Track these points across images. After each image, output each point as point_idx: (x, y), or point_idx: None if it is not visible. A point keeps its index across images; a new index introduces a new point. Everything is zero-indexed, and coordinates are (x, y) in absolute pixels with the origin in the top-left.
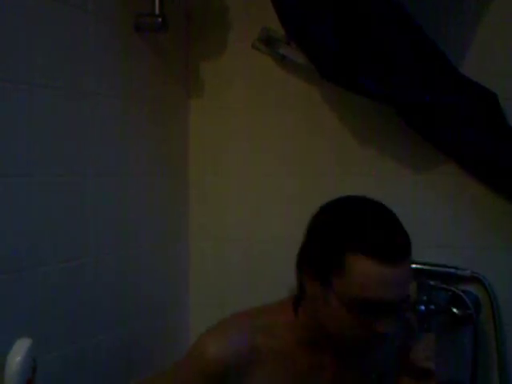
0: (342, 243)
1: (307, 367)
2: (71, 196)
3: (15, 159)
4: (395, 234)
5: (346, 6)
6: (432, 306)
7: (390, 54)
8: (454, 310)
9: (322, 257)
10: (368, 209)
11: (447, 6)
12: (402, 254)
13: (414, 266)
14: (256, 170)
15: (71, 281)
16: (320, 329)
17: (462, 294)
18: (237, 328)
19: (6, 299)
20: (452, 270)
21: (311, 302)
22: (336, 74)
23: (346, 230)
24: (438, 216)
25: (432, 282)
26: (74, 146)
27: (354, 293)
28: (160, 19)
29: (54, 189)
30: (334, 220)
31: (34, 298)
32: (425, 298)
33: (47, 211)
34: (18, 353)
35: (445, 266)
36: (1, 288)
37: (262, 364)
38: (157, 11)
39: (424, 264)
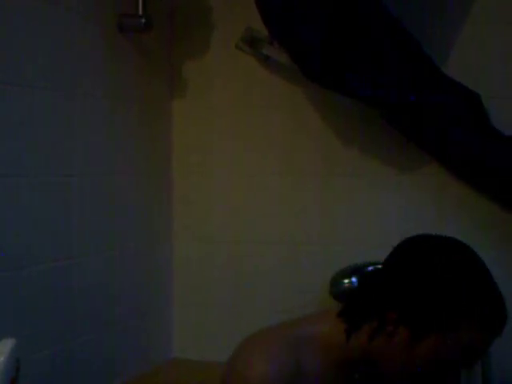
0: (459, 307)
1: None
2: (57, 196)
3: (1, 159)
4: (505, 309)
5: (332, 8)
6: None
7: (376, 54)
8: None
9: (427, 311)
10: (480, 268)
11: (432, 8)
12: (505, 323)
13: None
14: (240, 170)
15: (57, 281)
16: (370, 359)
17: None
18: (281, 350)
19: None
20: None
21: (384, 341)
22: (322, 75)
23: (466, 294)
24: (423, 216)
25: None
26: (61, 147)
27: (454, 355)
28: (143, 20)
29: (39, 188)
30: (450, 276)
31: (20, 299)
32: None
33: (33, 211)
34: (2, 353)
35: None
36: None
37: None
38: (140, 12)
39: None
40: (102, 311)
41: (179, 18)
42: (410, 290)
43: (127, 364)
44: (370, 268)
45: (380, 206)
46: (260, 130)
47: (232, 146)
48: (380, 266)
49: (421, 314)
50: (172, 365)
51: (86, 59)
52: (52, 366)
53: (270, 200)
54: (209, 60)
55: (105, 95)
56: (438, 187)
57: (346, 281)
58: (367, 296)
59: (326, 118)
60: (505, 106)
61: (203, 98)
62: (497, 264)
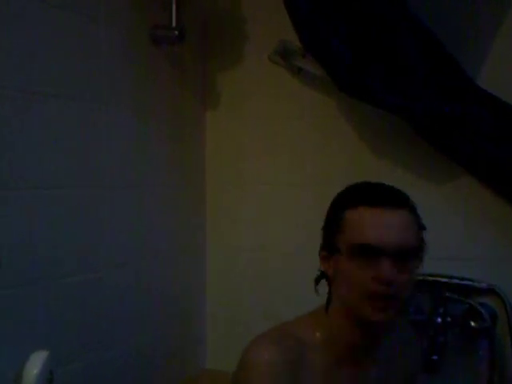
0: (338, 208)
1: (347, 380)
2: (88, 208)
3: (31, 172)
4: (386, 187)
5: (362, 19)
6: (448, 319)
7: (406, 65)
8: (471, 323)
9: (326, 233)
10: (365, 181)
11: (464, 19)
12: (394, 199)
13: (430, 278)
14: (273, 182)
15: (88, 293)
16: (345, 313)
17: (478, 306)
18: (284, 338)
19: (23, 311)
20: (468, 283)
21: (333, 284)
22: (352, 86)
23: (343, 197)
24: (454, 228)
25: (448, 295)
26: (91, 159)
27: (351, 241)
28: (177, 32)
29: (71, 201)
30: (334, 199)
31: (51, 311)
32: (441, 310)
33: (65, 224)
34: (35, 365)
35: (461, 278)
36: (18, 300)
37: (307, 376)
38: (174, 23)
39: (440, 276)
40: (133, 323)
41: (212, 30)
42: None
43: (160, 375)
44: None
45: None
46: (292, 142)
47: (264, 158)
48: (418, 277)
49: (325, 238)
50: (204, 376)
51: (119, 71)
52: (84, 378)
53: (301, 211)
54: (242, 72)
55: (137, 108)
56: (470, 199)
57: None
58: None
59: (358, 130)
60: None
61: (236, 110)
62: None
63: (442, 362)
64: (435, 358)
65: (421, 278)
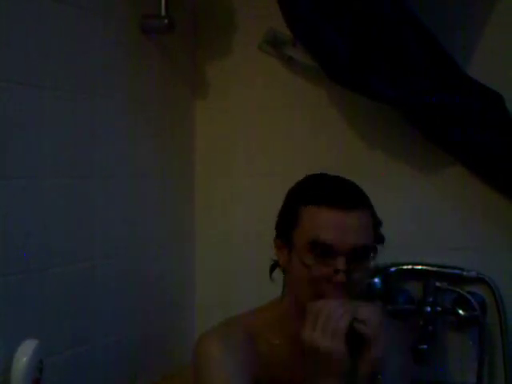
0: (296, 202)
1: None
2: (79, 197)
3: (24, 161)
4: (345, 186)
5: (357, 9)
6: (438, 308)
7: (400, 56)
8: (460, 312)
9: (282, 223)
10: (323, 174)
11: (454, 10)
12: (352, 199)
13: (420, 267)
14: (262, 171)
15: (79, 282)
16: (297, 302)
17: (467, 295)
18: (233, 330)
19: (15, 300)
20: (458, 272)
21: (287, 274)
22: (346, 77)
23: (300, 190)
24: (445, 217)
25: (438, 284)
26: (83, 149)
27: (308, 238)
28: (166, 21)
29: (62, 190)
30: (291, 189)
31: (43, 299)
32: (431, 299)
33: (56, 213)
34: (25, 354)
35: (451, 267)
36: (9, 289)
37: (262, 366)
38: (163, 13)
39: (430, 265)
40: (124, 313)
41: (202, 19)
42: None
43: (150, 365)
44: (393, 269)
45: (402, 208)
46: (282, 132)
47: (255, 147)
48: (405, 267)
49: (279, 227)
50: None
51: (108, 60)
52: (74, 367)
53: None
54: (231, 61)
55: (126, 97)
56: (461, 189)
57: (370, 281)
58: None
59: (349, 120)
60: None
61: (226, 99)
62: None
63: (432, 351)
64: (425, 347)
65: (410, 267)
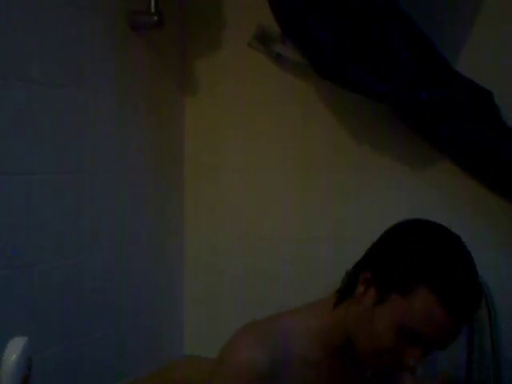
0: (422, 272)
1: (333, 378)
2: (67, 193)
3: (12, 157)
4: (473, 290)
5: (344, 5)
6: None
7: (388, 51)
8: None
9: (393, 271)
10: (459, 250)
11: (442, 5)
12: (469, 315)
13: None
14: (252, 167)
15: (67, 279)
16: (349, 335)
17: None
18: (270, 334)
19: (2, 297)
20: None
21: (356, 305)
22: (333, 72)
23: (432, 263)
24: (433, 213)
25: None
26: (71, 144)
27: (409, 322)
28: (156, 17)
29: (50, 186)
30: (423, 246)
31: (31, 296)
32: None
33: (44, 209)
34: (14, 351)
35: None
36: None
37: (292, 372)
38: (152, 9)
39: None
40: (112, 309)
41: (191, 16)
42: (381, 251)
43: (138, 362)
44: None
45: (391, 203)
46: (271, 127)
47: (243, 143)
48: None
49: (384, 272)
50: (183, 362)
51: (97, 56)
52: (62, 364)
53: (281, 196)
54: (220, 57)
55: (116, 92)
56: (450, 183)
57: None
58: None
59: (338, 115)
60: None
61: (215, 95)
62: (506, 261)
63: None
64: None
65: None
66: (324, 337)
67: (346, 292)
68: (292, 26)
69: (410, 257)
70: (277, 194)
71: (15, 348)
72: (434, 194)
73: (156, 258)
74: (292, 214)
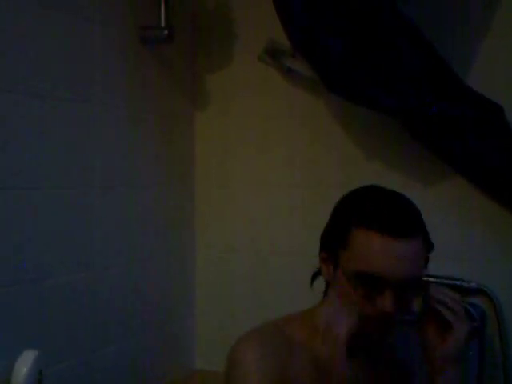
0: (348, 220)
1: (339, 372)
2: (78, 208)
3: (22, 171)
4: (401, 210)
5: (354, 18)
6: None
7: (398, 65)
8: None
9: (330, 237)
10: (379, 191)
11: (453, 19)
12: (406, 228)
13: None
14: (261, 181)
15: (78, 293)
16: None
17: (468, 306)
18: (272, 335)
19: (13, 311)
20: (458, 283)
21: (330, 288)
22: (342, 86)
23: (353, 208)
24: (445, 228)
25: None
26: (81, 158)
27: (357, 266)
28: (166, 31)
29: (61, 200)
30: (344, 202)
31: (42, 310)
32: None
33: (55, 223)
34: (24, 364)
35: (451, 278)
36: (8, 300)
37: (299, 372)
38: (163, 23)
39: (430, 276)
40: (124, 323)
41: (201, 30)
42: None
43: (149, 375)
44: None
45: None
46: (281, 142)
47: (254, 158)
48: None
49: (327, 241)
50: (194, 376)
51: (108, 71)
52: (74, 378)
53: (290, 210)
54: (231, 72)
55: (126, 107)
56: (461, 199)
57: None
58: None
59: (348, 130)
60: None
61: (225, 109)
62: None
63: None
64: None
65: None
66: (320, 341)
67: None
68: (301, 39)
69: (339, 213)
70: (286, 207)
71: (26, 361)
72: (445, 209)
73: (167, 272)
74: (301, 227)
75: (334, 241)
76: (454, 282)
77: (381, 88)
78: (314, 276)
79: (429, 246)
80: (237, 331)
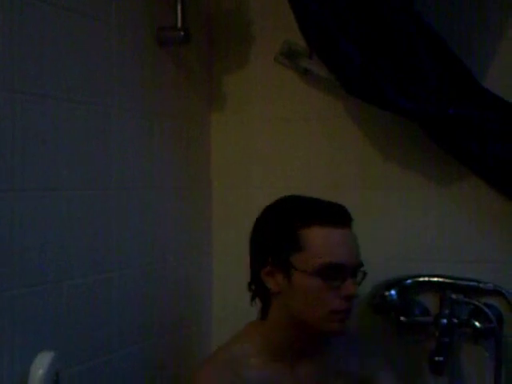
0: (292, 225)
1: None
2: (96, 210)
3: (41, 173)
4: (334, 204)
5: (371, 20)
6: (454, 320)
7: (415, 67)
8: (477, 324)
9: (274, 248)
10: (300, 196)
11: (471, 21)
12: (348, 217)
13: (436, 279)
14: (278, 184)
15: (96, 294)
16: (294, 323)
17: (484, 307)
18: (220, 357)
19: (31, 312)
20: (474, 284)
21: (278, 297)
22: (360, 88)
23: (292, 213)
24: (462, 229)
25: (454, 296)
26: (99, 160)
27: (318, 261)
28: (182, 32)
29: (78, 203)
30: (276, 213)
31: (59, 311)
32: (447, 311)
33: (73, 225)
34: (41, 366)
35: (467, 279)
36: (26, 301)
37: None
38: (179, 24)
39: (446, 277)
40: (140, 324)
41: (218, 31)
42: (254, 248)
43: (166, 376)
44: (409, 281)
45: (418, 220)
46: (299, 144)
47: (270, 160)
48: (421, 279)
49: (272, 252)
50: None
51: (124, 72)
52: (91, 380)
53: None
54: (248, 73)
55: (143, 108)
56: (477, 201)
57: (386, 293)
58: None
59: (365, 132)
60: None
61: (242, 111)
62: None
63: (448, 363)
64: (441, 359)
65: (427, 279)
66: (276, 345)
67: (264, 298)
68: (318, 40)
69: (271, 226)
70: None
71: (42, 363)
72: (462, 211)
73: (184, 273)
74: None
75: (282, 249)
76: (470, 283)
77: (398, 90)
78: (255, 295)
79: None
80: None
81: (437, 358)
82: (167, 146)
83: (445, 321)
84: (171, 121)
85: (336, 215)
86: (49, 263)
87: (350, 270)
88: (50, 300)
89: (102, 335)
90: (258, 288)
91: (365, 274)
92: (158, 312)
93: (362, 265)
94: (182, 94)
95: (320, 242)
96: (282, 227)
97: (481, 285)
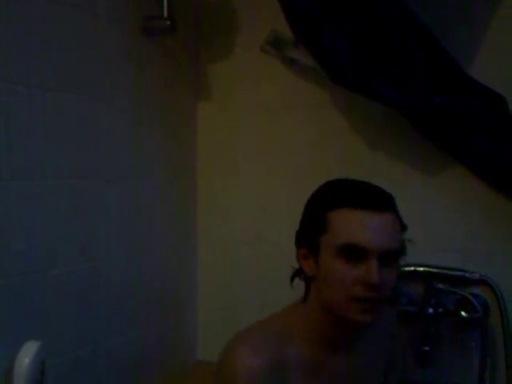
0: (324, 207)
1: (327, 369)
2: (83, 199)
3: (30, 163)
4: (373, 189)
5: (358, 11)
6: (440, 309)
7: (402, 57)
8: (463, 313)
9: (308, 230)
10: (347, 179)
11: (457, 11)
12: (379, 202)
13: (422, 268)
14: (265, 173)
15: (82, 284)
16: (325, 309)
17: (470, 297)
18: (263, 339)
19: (17, 302)
20: (460, 273)
21: (314, 281)
22: (347, 78)
23: (326, 196)
24: (448, 219)
25: (440, 285)
26: (86, 150)
27: (338, 242)
28: (168, 22)
29: (65, 192)
30: (314, 195)
31: (45, 301)
32: (433, 301)
33: (59, 215)
34: (27, 355)
35: (453, 269)
36: (12, 291)
37: (290, 373)
38: (165, 14)
39: (433, 267)
40: (127, 314)
41: (204, 21)
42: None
43: (152, 367)
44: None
45: (404, 209)
46: (285, 133)
47: (257, 150)
48: (407, 269)
49: (305, 235)
50: (197, 368)
51: (110, 62)
52: (76, 369)
53: (294, 202)
54: (234, 63)
55: (129, 98)
56: (464, 191)
57: None
58: None
59: (351, 122)
60: None
61: (228, 100)
62: None
63: (434, 352)
64: (427, 349)
65: (412, 268)
66: (313, 329)
67: (305, 281)
68: (304, 30)
69: (312, 206)
70: (290, 199)
71: (28, 352)
72: (448, 200)
73: (170, 264)
74: None
75: (312, 231)
76: (456, 272)
77: (383, 80)
78: (293, 277)
79: (403, 226)
80: (239, 323)
81: (423, 348)
82: (154, 135)
83: (431, 310)
84: (158, 110)
85: (368, 199)
86: (35, 252)
87: (376, 255)
88: (36, 290)
89: (88, 325)
90: (298, 270)
91: (398, 261)
92: (144, 301)
93: (395, 252)
94: (169, 83)
95: (343, 222)
96: (314, 210)
97: (467, 274)
